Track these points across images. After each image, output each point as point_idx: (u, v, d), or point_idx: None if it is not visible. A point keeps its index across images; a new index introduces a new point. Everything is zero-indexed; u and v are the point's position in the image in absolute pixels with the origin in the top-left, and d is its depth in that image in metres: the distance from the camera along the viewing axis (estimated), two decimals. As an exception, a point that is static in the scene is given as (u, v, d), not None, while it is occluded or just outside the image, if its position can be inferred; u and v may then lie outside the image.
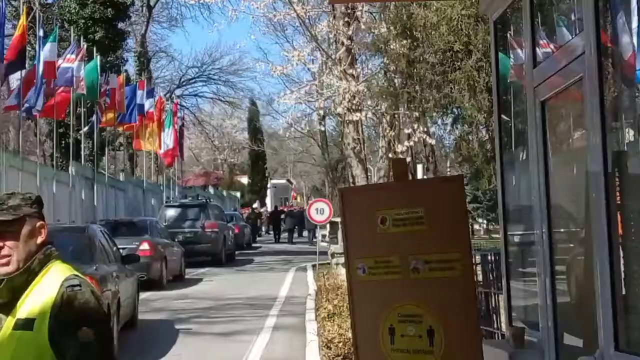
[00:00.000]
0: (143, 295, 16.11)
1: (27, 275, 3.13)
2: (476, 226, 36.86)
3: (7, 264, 3.12)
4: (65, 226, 15.19)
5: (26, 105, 23.69)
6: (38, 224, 3.23)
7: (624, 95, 3.99)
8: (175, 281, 22.33)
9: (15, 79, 21.94)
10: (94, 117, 29.78)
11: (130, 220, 24.06)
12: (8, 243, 3.13)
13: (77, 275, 3.18)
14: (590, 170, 3.97)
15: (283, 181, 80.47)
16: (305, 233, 48.81)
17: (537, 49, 4.90)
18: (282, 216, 51.61)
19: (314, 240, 27.73)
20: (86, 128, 29.42)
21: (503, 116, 5.91)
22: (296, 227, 49.87)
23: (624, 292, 3.76)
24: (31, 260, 3.15)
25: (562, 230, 4.94)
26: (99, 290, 3.19)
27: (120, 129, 35.16)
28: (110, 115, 30.75)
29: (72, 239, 12.13)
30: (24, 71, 22.13)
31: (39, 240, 3.21)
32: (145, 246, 20.12)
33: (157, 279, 20.43)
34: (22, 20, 21.89)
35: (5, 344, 3.09)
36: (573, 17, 4.56)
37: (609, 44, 3.92)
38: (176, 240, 26.08)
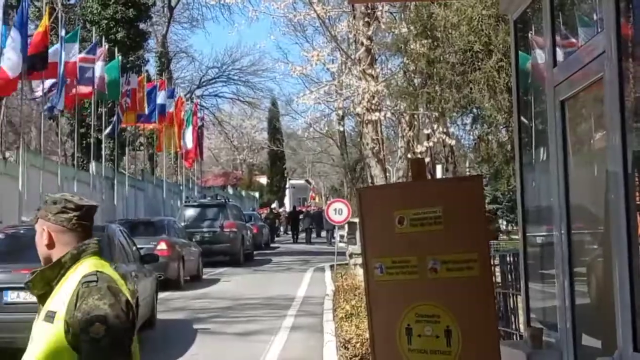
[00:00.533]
0: (161, 295, 16.14)
1: (58, 269, 3.30)
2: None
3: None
4: None
5: (48, 104, 23.87)
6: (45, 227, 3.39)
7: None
8: (193, 281, 22.35)
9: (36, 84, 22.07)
10: (115, 118, 29.91)
11: (148, 220, 24.09)
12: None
13: (100, 272, 3.25)
14: (609, 170, 3.94)
15: (302, 181, 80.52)
16: (323, 233, 48.79)
17: (557, 48, 4.87)
18: (301, 216, 51.61)
19: (332, 240, 27.72)
20: (108, 129, 29.55)
21: (522, 117, 5.88)
22: (314, 227, 49.80)
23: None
24: (63, 255, 3.31)
25: (581, 231, 4.91)
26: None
27: (144, 127, 35.17)
28: (131, 115, 30.87)
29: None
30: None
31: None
32: (162, 246, 20.08)
33: (175, 279, 20.35)
34: (45, 20, 22.02)
35: (36, 333, 3.25)
36: (594, 17, 4.53)
37: (629, 43, 3.89)
38: (195, 239, 26.13)
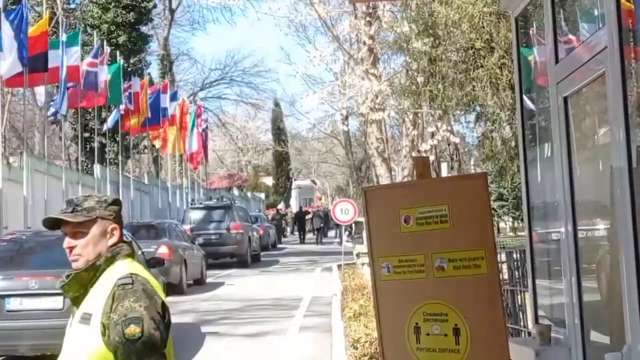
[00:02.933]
0: (167, 299, 16.08)
1: (93, 271, 3.34)
2: (502, 224, 36.68)
3: (77, 260, 3.35)
4: None
5: (52, 109, 23.94)
6: (111, 226, 3.41)
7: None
8: (197, 285, 22.29)
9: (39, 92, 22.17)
10: (116, 116, 29.81)
11: (149, 223, 23.89)
12: (80, 242, 3.35)
13: (135, 274, 3.30)
14: (614, 166, 3.94)
15: (307, 182, 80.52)
16: (331, 233, 48.79)
17: (559, 44, 4.87)
18: (308, 217, 51.60)
19: (348, 239, 27.70)
20: (108, 124, 29.42)
21: (526, 114, 5.88)
22: (325, 227, 49.80)
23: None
24: (97, 257, 3.34)
25: (587, 227, 4.91)
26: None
27: (148, 133, 35.11)
28: (135, 120, 30.89)
29: None
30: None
31: (111, 241, 3.40)
32: (163, 249, 19.59)
33: (177, 283, 19.93)
34: (44, 23, 22.04)
35: (71, 334, 3.31)
36: (595, 12, 4.53)
37: (631, 39, 3.89)
38: (201, 241, 26.10)
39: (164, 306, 3.30)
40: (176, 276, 19.97)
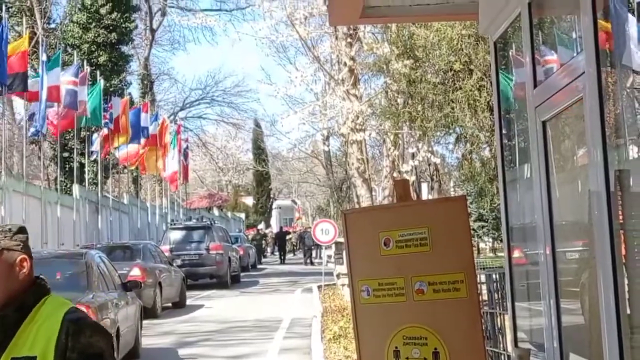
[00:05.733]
0: (145, 322, 15.85)
1: (20, 311, 2.98)
2: (482, 244, 36.78)
3: None
4: (63, 252, 14.82)
5: (32, 129, 23.83)
6: (19, 257, 3.03)
7: (625, 113, 3.99)
8: (176, 308, 22.01)
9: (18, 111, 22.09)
10: (97, 138, 29.79)
11: (124, 244, 23.39)
12: None
13: (76, 308, 3.10)
14: (592, 189, 3.96)
15: (288, 202, 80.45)
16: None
17: (537, 68, 4.90)
18: (288, 237, 51.47)
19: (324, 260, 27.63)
20: (94, 155, 29.52)
21: (505, 135, 5.90)
22: (314, 246, 49.45)
23: (628, 312, 3.74)
24: (23, 295, 3.01)
25: (566, 249, 4.92)
26: (96, 319, 3.13)
27: (129, 163, 34.73)
28: (123, 138, 30.82)
29: (70, 266, 12.01)
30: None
31: (21, 275, 3.03)
32: (136, 271, 18.96)
33: (150, 306, 19.04)
34: (25, 39, 21.97)
35: None
36: (573, 35, 4.57)
37: (608, 63, 3.92)
38: (181, 262, 25.93)
39: (112, 339, 3.17)
40: (149, 299, 19.22)
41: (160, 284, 20.48)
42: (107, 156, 32.67)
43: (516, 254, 5.72)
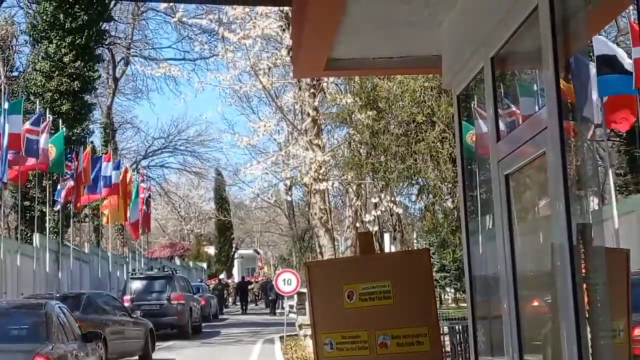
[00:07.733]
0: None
1: None
2: (444, 295, 36.79)
3: None
4: (22, 302, 14.56)
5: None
6: None
7: (587, 166, 4.03)
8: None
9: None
10: (62, 189, 29.53)
11: (78, 293, 21.88)
12: None
13: None
14: (555, 242, 3.97)
15: (250, 251, 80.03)
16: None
17: (500, 122, 4.94)
18: (250, 287, 51.08)
19: (281, 310, 27.46)
20: (58, 206, 29.28)
21: (467, 187, 5.93)
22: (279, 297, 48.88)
23: (592, 365, 3.73)
24: None
25: (529, 301, 4.92)
26: None
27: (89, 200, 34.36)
28: (83, 191, 30.57)
29: (29, 316, 11.84)
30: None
31: None
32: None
33: None
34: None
35: None
36: (535, 87, 4.62)
37: (570, 117, 3.97)
38: (142, 312, 25.51)
39: None
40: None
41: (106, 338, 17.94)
42: (68, 204, 32.31)
43: (479, 307, 5.71)
